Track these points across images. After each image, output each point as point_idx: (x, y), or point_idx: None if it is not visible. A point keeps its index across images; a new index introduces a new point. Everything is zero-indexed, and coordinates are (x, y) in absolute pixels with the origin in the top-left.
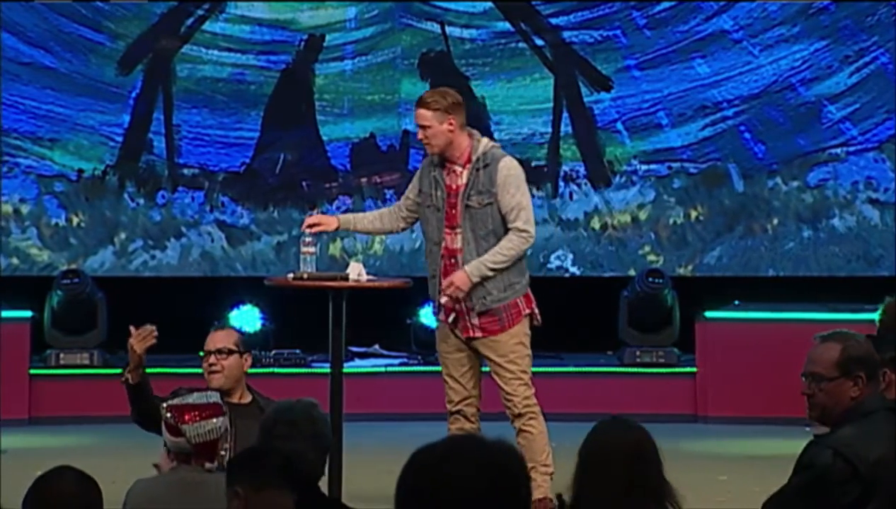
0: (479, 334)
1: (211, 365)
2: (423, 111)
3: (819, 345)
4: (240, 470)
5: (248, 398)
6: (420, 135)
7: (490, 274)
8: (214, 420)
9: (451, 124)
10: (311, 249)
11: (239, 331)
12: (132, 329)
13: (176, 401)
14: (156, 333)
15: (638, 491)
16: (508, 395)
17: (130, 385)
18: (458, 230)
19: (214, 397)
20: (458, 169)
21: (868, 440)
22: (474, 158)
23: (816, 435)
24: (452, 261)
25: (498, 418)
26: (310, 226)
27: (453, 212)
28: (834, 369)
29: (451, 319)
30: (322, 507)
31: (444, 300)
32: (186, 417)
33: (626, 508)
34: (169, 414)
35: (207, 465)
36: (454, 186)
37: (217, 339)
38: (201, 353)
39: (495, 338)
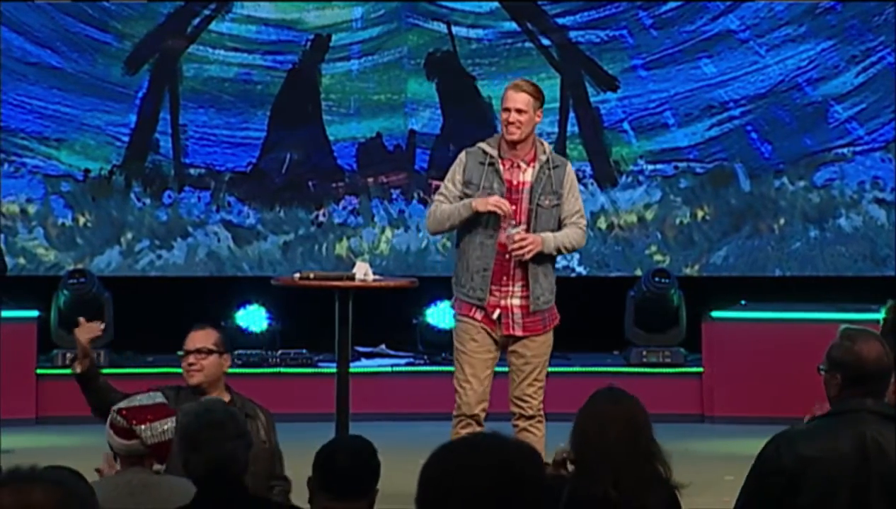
0: (519, 332)
1: (190, 364)
2: (524, 95)
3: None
4: (315, 472)
5: (225, 398)
6: (512, 118)
7: (554, 252)
8: (169, 420)
9: (539, 117)
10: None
11: (219, 331)
12: (81, 320)
13: (124, 404)
14: (101, 328)
15: (631, 455)
16: (527, 397)
17: (76, 375)
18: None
19: (159, 398)
20: (523, 165)
21: (814, 437)
22: (542, 158)
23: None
24: (507, 256)
25: (500, 418)
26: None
27: (514, 208)
28: (824, 362)
29: (495, 315)
30: (251, 505)
31: (513, 246)
32: (142, 418)
33: (622, 469)
34: (120, 417)
35: (156, 466)
36: (515, 182)
37: (197, 339)
38: (180, 353)
39: (536, 337)
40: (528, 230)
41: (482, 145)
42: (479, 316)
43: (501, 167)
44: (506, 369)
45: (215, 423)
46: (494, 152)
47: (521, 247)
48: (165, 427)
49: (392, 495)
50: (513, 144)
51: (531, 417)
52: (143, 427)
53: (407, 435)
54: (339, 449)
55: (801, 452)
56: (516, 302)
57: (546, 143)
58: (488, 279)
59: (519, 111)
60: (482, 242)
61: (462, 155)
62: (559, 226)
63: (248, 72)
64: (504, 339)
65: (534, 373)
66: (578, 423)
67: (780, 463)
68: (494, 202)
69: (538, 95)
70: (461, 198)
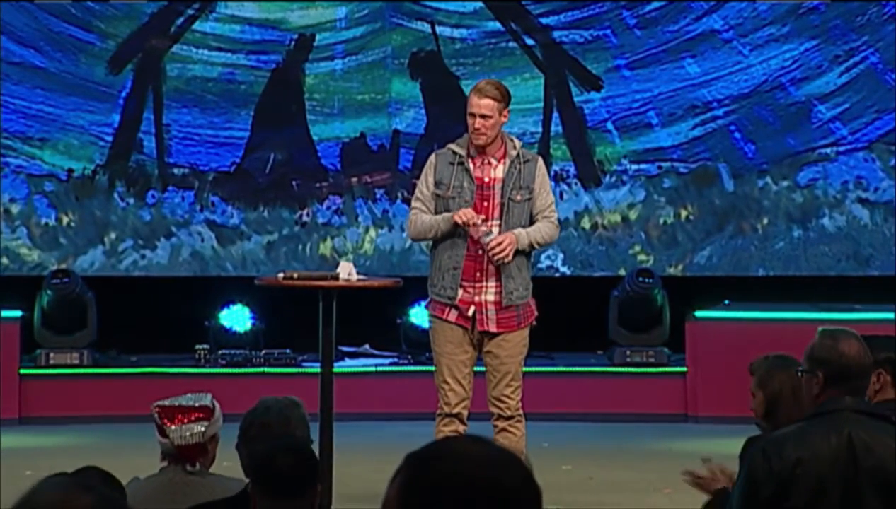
0: (494, 328)
1: None
2: (488, 101)
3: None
4: (254, 474)
5: None
6: (477, 124)
7: (528, 248)
8: (198, 424)
9: (505, 117)
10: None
11: None
12: None
13: (166, 402)
14: None
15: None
16: (505, 397)
17: None
18: (490, 223)
19: (205, 399)
20: (494, 162)
21: (800, 438)
22: (513, 153)
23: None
24: (479, 252)
25: (480, 418)
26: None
27: (485, 204)
28: (805, 362)
29: (470, 312)
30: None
31: (492, 253)
32: (173, 418)
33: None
34: (156, 415)
35: (189, 467)
36: (486, 179)
37: None
38: None
39: (509, 334)
40: (500, 224)
41: (451, 146)
42: (452, 316)
43: (471, 165)
44: (484, 368)
45: (262, 423)
46: (463, 152)
47: (501, 252)
48: (195, 430)
49: (377, 495)
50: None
51: (510, 417)
52: (171, 427)
53: (391, 434)
54: (277, 452)
55: (789, 455)
56: (490, 297)
57: (516, 139)
58: (458, 277)
59: (484, 116)
60: (453, 241)
61: (432, 157)
62: (531, 220)
63: (231, 71)
64: (479, 337)
65: (510, 374)
66: (770, 391)
67: (770, 468)
68: (461, 215)
69: (502, 97)
70: (435, 200)
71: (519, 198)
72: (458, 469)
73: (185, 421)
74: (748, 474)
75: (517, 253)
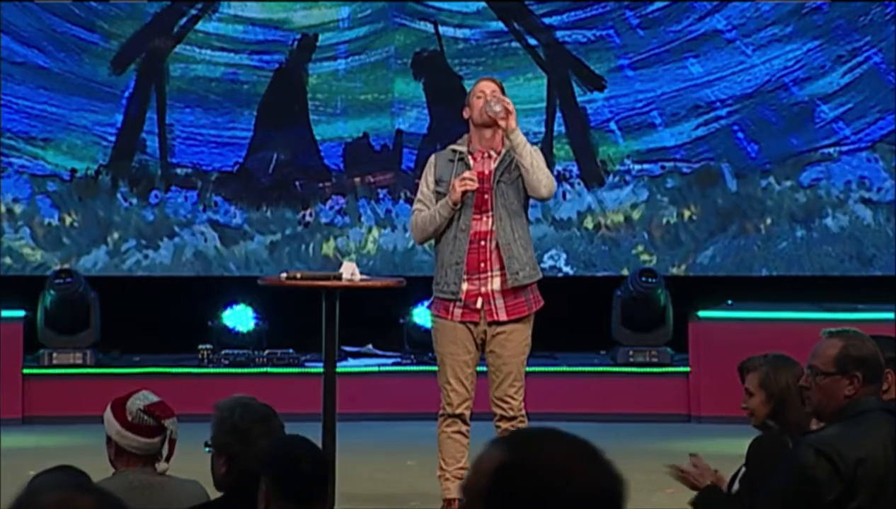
0: (504, 317)
1: None
2: (494, 85)
3: (823, 340)
4: (274, 473)
5: None
6: (492, 91)
7: (524, 151)
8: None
9: None
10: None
11: None
12: None
13: (143, 403)
14: None
15: None
16: (508, 398)
17: None
18: (489, 213)
19: (153, 395)
20: (494, 154)
21: (853, 439)
22: (508, 144)
23: (804, 433)
24: (482, 243)
25: (483, 418)
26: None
27: (485, 197)
28: (831, 365)
29: (478, 304)
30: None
31: (493, 109)
32: (167, 413)
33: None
34: (147, 416)
35: (161, 466)
36: (486, 171)
37: None
38: None
39: (512, 333)
40: (491, 204)
41: (451, 146)
42: (456, 315)
43: (472, 161)
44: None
45: (263, 417)
46: (464, 148)
47: (498, 101)
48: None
49: (381, 495)
50: (485, 129)
51: (513, 418)
52: (170, 420)
53: (393, 435)
54: (301, 457)
55: (850, 456)
56: (496, 286)
57: None
58: (461, 272)
59: (493, 92)
60: (455, 236)
61: (431, 158)
62: (525, 199)
63: (234, 71)
64: (482, 336)
65: (512, 374)
66: (777, 390)
67: (836, 469)
68: (459, 181)
69: (503, 90)
70: (436, 198)
71: (507, 180)
72: (558, 485)
73: (174, 414)
74: (801, 476)
75: (515, 229)
